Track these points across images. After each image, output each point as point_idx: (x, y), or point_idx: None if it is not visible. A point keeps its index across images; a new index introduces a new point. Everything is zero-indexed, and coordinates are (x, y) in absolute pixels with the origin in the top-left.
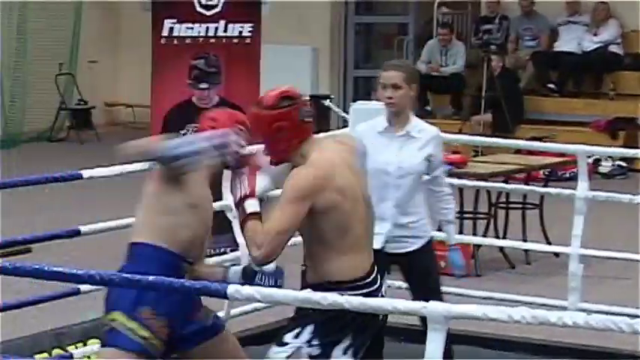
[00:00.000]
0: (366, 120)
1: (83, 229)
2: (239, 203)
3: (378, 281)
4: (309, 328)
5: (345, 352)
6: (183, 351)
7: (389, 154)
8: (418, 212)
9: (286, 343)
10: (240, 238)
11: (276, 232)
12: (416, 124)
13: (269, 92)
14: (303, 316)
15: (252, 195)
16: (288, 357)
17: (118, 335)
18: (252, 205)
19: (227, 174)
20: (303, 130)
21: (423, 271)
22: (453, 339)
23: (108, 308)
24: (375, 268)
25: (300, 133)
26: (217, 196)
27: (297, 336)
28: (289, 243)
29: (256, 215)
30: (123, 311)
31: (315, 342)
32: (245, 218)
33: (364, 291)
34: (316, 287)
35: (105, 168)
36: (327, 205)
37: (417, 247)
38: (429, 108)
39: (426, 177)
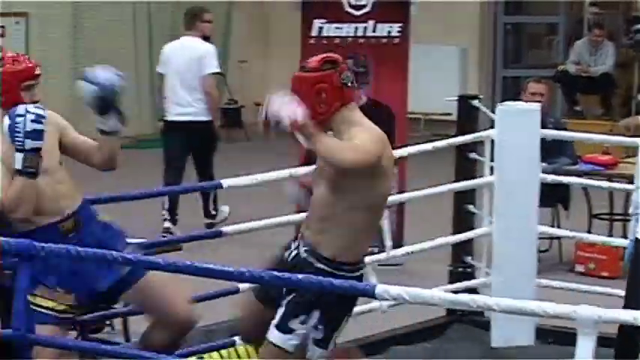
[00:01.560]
0: (514, 120)
1: (225, 229)
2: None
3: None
4: (316, 314)
5: (335, 332)
6: (110, 302)
7: None
8: None
9: (292, 330)
10: (388, 241)
11: (366, 147)
12: None
13: (314, 57)
14: (308, 301)
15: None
16: (296, 343)
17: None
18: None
19: None
20: (343, 94)
21: None
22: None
23: None
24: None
25: (340, 96)
26: None
27: (303, 322)
28: None
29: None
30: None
31: (320, 326)
32: (313, 132)
33: (357, 274)
34: (325, 261)
35: (244, 177)
36: (383, 169)
37: None
38: (578, 108)
39: None
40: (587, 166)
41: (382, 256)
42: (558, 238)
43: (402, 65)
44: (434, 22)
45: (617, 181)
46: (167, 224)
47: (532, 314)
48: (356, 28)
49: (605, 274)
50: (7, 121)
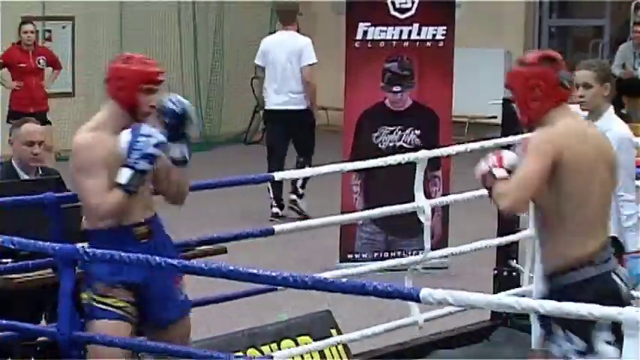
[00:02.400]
0: None
1: (277, 228)
2: (486, 175)
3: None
4: (574, 327)
5: (602, 331)
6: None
7: None
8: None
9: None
10: (427, 244)
11: (518, 183)
12: (605, 122)
13: (534, 51)
14: (559, 318)
15: (500, 166)
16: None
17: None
18: (500, 172)
19: (419, 174)
20: (558, 94)
21: None
22: None
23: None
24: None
25: (554, 96)
26: (408, 195)
27: (568, 339)
28: None
29: (505, 179)
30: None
31: (576, 339)
32: (494, 182)
33: (605, 268)
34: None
35: (295, 170)
36: (567, 165)
37: None
38: (624, 111)
39: None
40: (635, 170)
41: (421, 258)
42: None
43: (447, 68)
44: (479, 25)
45: None
46: (275, 209)
47: (579, 316)
48: (401, 31)
49: None
50: (127, 135)
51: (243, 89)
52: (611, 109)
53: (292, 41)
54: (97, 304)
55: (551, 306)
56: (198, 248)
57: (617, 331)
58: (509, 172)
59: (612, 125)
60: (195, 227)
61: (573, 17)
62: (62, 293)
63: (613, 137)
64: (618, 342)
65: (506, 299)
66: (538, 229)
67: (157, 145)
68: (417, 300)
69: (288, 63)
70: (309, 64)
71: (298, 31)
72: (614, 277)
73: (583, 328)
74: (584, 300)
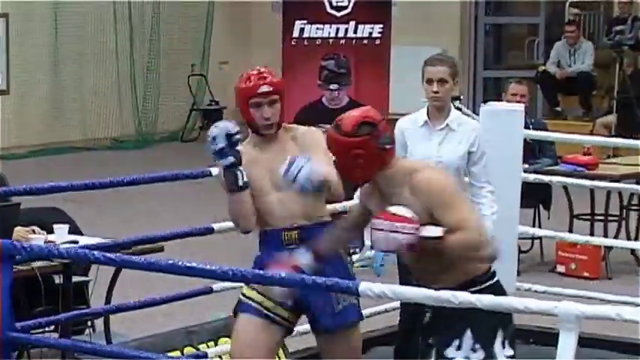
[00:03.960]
0: (497, 120)
1: (216, 226)
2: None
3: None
4: (468, 334)
5: (503, 346)
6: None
7: (429, 148)
8: None
9: (452, 359)
10: (367, 240)
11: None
12: (455, 117)
13: (350, 115)
14: (452, 325)
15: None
16: None
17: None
18: (434, 230)
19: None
20: (381, 159)
21: None
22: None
23: None
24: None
25: (378, 161)
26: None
27: (459, 348)
28: None
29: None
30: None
31: (477, 346)
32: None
33: (491, 282)
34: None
35: None
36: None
37: None
38: (559, 109)
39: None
40: (568, 166)
41: (358, 256)
42: (539, 238)
43: (383, 66)
44: (415, 23)
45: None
46: None
47: (515, 311)
48: (337, 29)
49: (586, 274)
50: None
51: (179, 88)
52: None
53: None
54: (241, 297)
55: (488, 300)
56: (136, 247)
57: (512, 343)
58: None
59: (464, 118)
60: (135, 226)
61: (508, 15)
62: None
63: (468, 128)
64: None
65: (444, 293)
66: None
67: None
68: (356, 293)
69: None
70: None
71: None
72: None
73: (486, 337)
74: None
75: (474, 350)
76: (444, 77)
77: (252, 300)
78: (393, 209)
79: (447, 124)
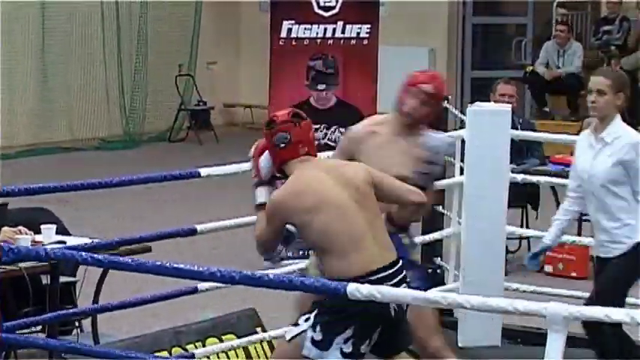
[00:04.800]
0: (484, 121)
1: (200, 227)
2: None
3: (397, 276)
4: (315, 314)
5: (345, 342)
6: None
7: (585, 161)
8: (620, 219)
9: (297, 324)
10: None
11: (259, 241)
12: (614, 130)
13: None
14: (314, 302)
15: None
16: (293, 336)
17: None
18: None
19: None
20: (277, 155)
21: (604, 278)
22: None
23: None
24: (394, 263)
25: (275, 157)
26: None
27: (307, 320)
28: None
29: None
30: None
31: (317, 328)
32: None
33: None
34: None
35: (223, 167)
36: (299, 224)
37: (618, 254)
38: (547, 109)
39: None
40: (556, 166)
41: None
42: (527, 238)
43: (371, 66)
44: (403, 23)
45: None
46: None
47: (503, 311)
48: (325, 29)
49: (573, 274)
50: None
51: (167, 88)
52: (619, 117)
53: None
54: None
55: (476, 301)
56: (123, 247)
57: (358, 346)
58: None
59: (622, 131)
60: (122, 226)
61: (496, 15)
62: None
63: (623, 141)
64: (353, 356)
65: (433, 294)
66: None
67: None
68: (345, 294)
69: None
70: None
71: None
72: None
73: (332, 325)
74: None
75: (313, 328)
76: (602, 88)
77: None
78: None
79: (602, 138)
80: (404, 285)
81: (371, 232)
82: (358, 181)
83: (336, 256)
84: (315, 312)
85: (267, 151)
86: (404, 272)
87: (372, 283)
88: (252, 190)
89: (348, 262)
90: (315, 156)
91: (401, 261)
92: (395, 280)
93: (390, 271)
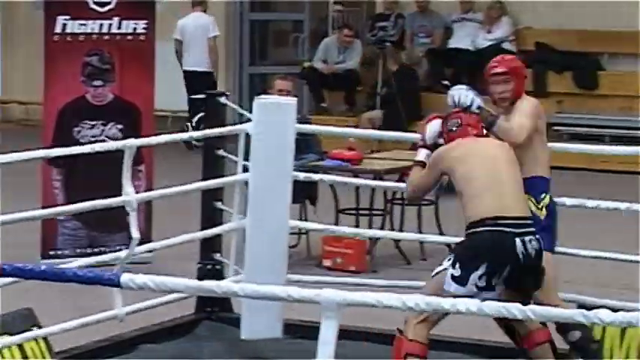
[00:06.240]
0: (270, 114)
1: None
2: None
3: (524, 228)
4: (453, 255)
5: (480, 278)
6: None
7: None
8: None
9: (441, 264)
10: (136, 233)
11: (415, 188)
12: None
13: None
14: (456, 244)
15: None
16: (436, 273)
17: None
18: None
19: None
20: (450, 138)
21: None
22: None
23: None
24: (524, 218)
25: (447, 140)
26: (109, 190)
27: (449, 260)
28: None
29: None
30: None
31: (457, 266)
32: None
33: (502, 229)
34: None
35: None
36: (448, 170)
37: None
38: (324, 105)
39: None
40: (334, 162)
41: (126, 252)
42: (306, 233)
43: (148, 62)
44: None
45: (363, 177)
46: None
47: (277, 299)
48: (101, 25)
49: (352, 268)
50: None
51: None
52: None
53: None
54: None
55: (250, 289)
56: None
57: (490, 281)
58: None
59: None
60: None
61: (274, 11)
62: None
63: None
64: (487, 289)
65: (207, 284)
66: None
67: None
68: (118, 285)
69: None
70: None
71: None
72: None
73: (467, 262)
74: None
75: (453, 266)
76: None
77: None
78: None
79: None
80: (529, 238)
81: (511, 184)
82: (507, 147)
83: (472, 197)
84: (454, 254)
85: (434, 121)
86: (532, 229)
87: (498, 226)
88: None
89: (482, 202)
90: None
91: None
92: (520, 230)
93: (519, 222)
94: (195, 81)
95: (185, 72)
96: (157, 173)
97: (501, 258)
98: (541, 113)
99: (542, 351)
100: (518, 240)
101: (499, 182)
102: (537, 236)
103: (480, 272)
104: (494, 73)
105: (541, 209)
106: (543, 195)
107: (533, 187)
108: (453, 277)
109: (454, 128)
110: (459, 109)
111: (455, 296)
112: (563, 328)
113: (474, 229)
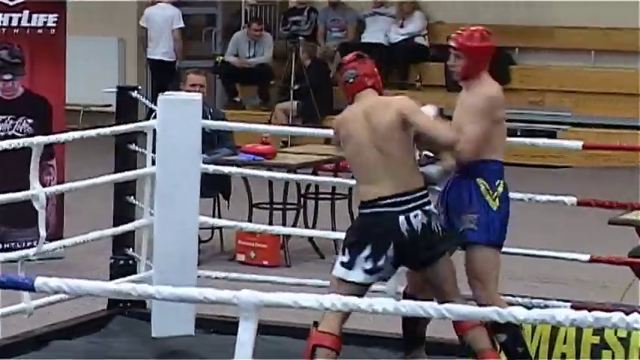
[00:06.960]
0: (175, 110)
1: None
2: None
3: (406, 204)
4: (344, 242)
5: (365, 260)
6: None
7: None
8: None
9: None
10: (42, 231)
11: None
12: None
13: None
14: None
15: None
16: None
17: None
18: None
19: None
20: (348, 90)
21: None
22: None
23: None
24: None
25: (347, 92)
26: (23, 185)
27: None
28: None
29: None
30: None
31: (345, 251)
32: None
33: (383, 209)
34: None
35: None
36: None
37: None
38: (238, 99)
39: None
40: (247, 156)
41: (36, 249)
42: (219, 228)
43: (59, 56)
44: (91, 13)
45: (276, 171)
46: None
47: (194, 301)
48: (10, 18)
49: (265, 262)
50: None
51: None
52: None
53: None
54: None
55: (167, 291)
56: None
57: (376, 262)
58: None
59: None
60: None
61: (186, 6)
62: None
63: None
64: (374, 271)
65: (124, 286)
66: None
67: None
68: (32, 289)
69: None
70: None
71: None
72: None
73: (353, 246)
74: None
75: (342, 252)
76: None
77: None
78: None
79: None
80: (414, 214)
81: (382, 167)
82: (382, 126)
83: (358, 182)
84: (344, 240)
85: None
86: (422, 200)
87: (382, 207)
88: None
89: (364, 189)
90: (381, 88)
91: (423, 191)
92: (403, 208)
93: (400, 199)
94: (161, 70)
95: (151, 61)
96: (73, 169)
97: (384, 237)
98: (498, 103)
99: (475, 333)
100: (401, 217)
101: (371, 170)
102: (427, 208)
103: (364, 254)
104: (448, 44)
105: (494, 199)
106: (498, 182)
107: (489, 171)
108: (342, 263)
109: (351, 80)
110: (354, 58)
111: (354, 283)
112: (494, 328)
113: (360, 212)
